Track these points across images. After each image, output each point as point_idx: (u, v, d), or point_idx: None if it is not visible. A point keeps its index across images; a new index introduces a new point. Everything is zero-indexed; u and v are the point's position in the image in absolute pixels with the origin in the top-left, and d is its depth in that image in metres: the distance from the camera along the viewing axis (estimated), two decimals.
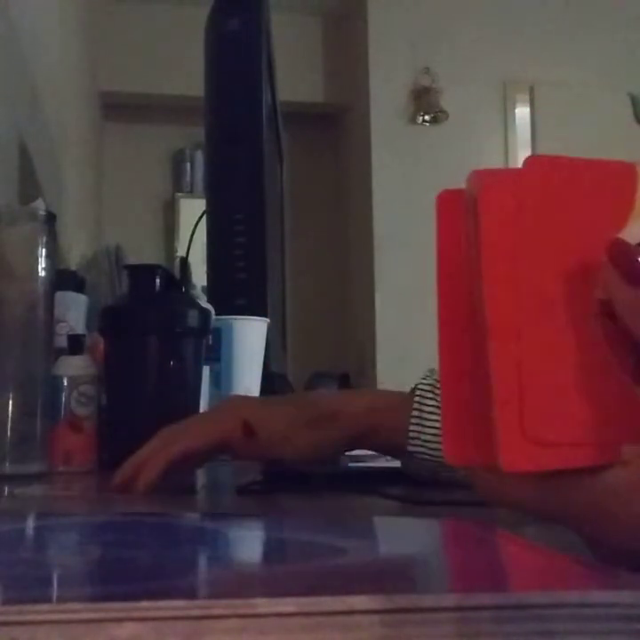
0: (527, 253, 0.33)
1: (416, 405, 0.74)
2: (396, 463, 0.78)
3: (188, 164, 4.55)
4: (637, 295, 0.32)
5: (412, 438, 0.73)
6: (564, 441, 0.33)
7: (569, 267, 0.33)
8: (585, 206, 0.33)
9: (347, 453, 0.83)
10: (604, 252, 0.33)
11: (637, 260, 0.33)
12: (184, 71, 2.94)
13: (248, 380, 1.31)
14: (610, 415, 0.33)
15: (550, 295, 0.33)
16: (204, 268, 1.56)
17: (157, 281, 1.00)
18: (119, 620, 0.22)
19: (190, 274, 1.38)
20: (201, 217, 1.59)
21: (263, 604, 0.23)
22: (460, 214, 0.35)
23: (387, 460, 0.82)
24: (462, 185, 0.36)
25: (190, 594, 0.26)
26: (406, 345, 3.61)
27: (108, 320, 1.00)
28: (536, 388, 0.33)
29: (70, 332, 1.08)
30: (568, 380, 0.33)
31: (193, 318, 1.00)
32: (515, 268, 0.33)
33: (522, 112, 4.29)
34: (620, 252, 0.33)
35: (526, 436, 0.32)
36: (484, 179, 0.34)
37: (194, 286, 1.46)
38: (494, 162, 4.22)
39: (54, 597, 0.26)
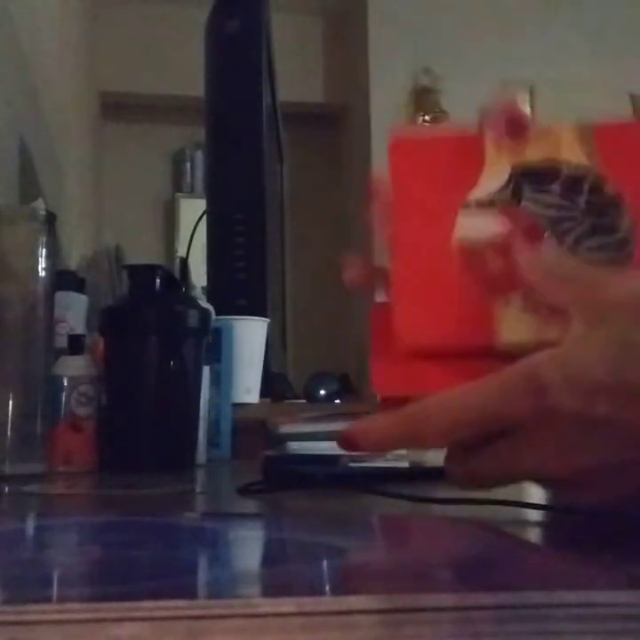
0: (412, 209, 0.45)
1: None
2: (397, 462, 0.78)
3: (188, 164, 4.55)
4: (534, 253, 0.42)
5: None
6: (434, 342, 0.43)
7: (441, 219, 0.44)
8: (448, 173, 0.45)
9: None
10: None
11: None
12: (184, 71, 2.94)
13: (248, 379, 1.31)
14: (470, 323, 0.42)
15: (429, 243, 0.44)
16: (204, 268, 1.56)
17: (157, 281, 1.00)
18: (119, 620, 0.22)
19: (189, 274, 1.38)
20: (201, 217, 1.60)
21: (263, 604, 0.23)
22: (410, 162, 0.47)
23: (385, 460, 0.82)
24: None
25: (190, 594, 0.26)
26: None
27: (108, 320, 1.00)
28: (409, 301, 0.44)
29: (70, 332, 1.08)
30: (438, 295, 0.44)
31: (193, 318, 1.00)
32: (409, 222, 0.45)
33: None
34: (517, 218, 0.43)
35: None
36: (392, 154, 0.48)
37: (194, 286, 1.46)
38: None
39: (54, 597, 0.26)
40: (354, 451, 0.41)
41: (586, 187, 0.43)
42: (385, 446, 0.44)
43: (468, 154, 0.45)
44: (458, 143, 0.46)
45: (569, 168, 0.44)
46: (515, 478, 0.42)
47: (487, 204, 0.44)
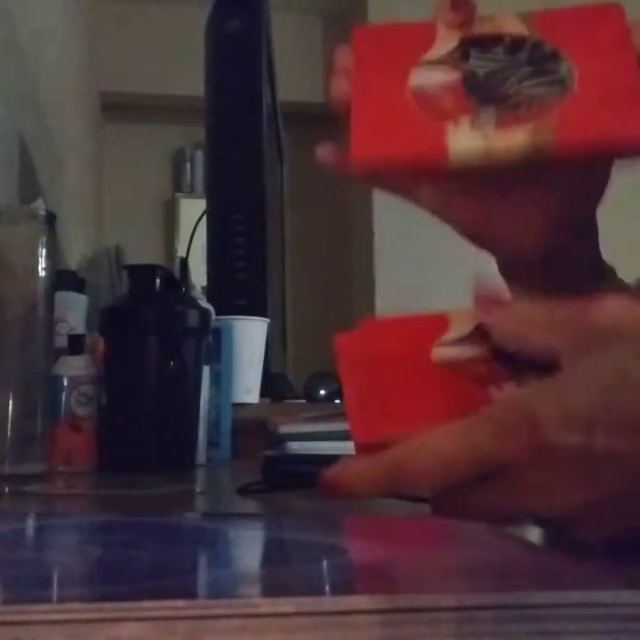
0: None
1: None
2: None
3: (188, 164, 4.54)
4: (507, 314, 0.41)
5: None
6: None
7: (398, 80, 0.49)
8: (405, 53, 0.50)
9: None
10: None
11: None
12: (184, 71, 2.94)
13: (248, 379, 1.31)
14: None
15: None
16: (204, 268, 1.56)
17: (157, 281, 1.00)
18: (119, 620, 0.22)
19: (189, 274, 1.38)
20: (201, 217, 1.60)
21: (263, 604, 0.23)
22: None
23: None
24: None
25: (190, 594, 0.26)
26: None
27: (108, 320, 1.00)
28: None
29: (70, 332, 1.08)
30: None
31: (193, 318, 1.00)
32: None
33: None
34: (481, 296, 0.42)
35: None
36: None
37: (194, 286, 1.46)
38: None
39: (55, 597, 0.26)
40: (335, 496, 0.40)
41: (527, 45, 0.48)
42: (369, 492, 0.41)
43: (424, 37, 0.51)
44: (415, 29, 0.52)
45: (511, 35, 0.49)
46: (510, 518, 0.40)
47: (437, 63, 0.49)
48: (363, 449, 0.42)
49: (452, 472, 0.37)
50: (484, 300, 0.42)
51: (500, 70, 0.48)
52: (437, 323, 0.45)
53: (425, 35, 0.51)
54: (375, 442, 0.40)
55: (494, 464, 0.37)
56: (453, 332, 0.45)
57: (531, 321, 0.41)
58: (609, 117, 0.45)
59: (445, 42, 0.50)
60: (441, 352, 0.44)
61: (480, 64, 0.48)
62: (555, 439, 0.36)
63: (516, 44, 0.48)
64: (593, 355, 0.37)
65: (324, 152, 0.51)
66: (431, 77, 0.48)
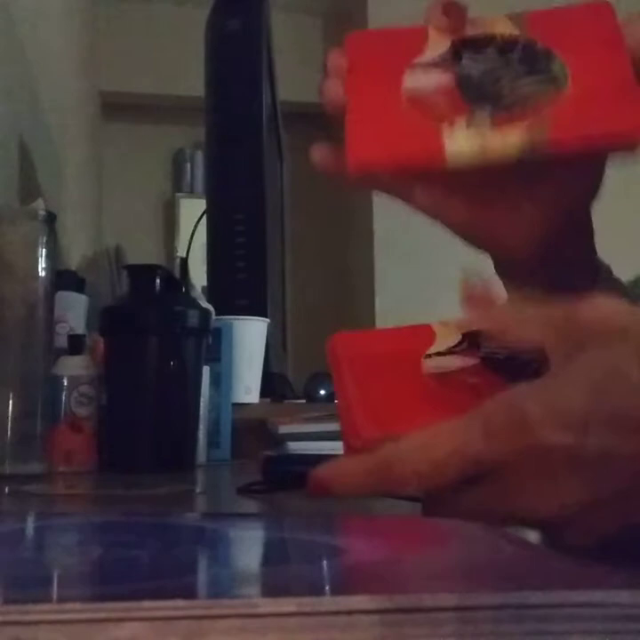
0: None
1: None
2: None
3: (188, 164, 4.54)
4: (494, 310, 0.41)
5: None
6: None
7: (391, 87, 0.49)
8: (398, 58, 0.50)
9: None
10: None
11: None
12: (184, 71, 2.94)
13: (248, 379, 1.31)
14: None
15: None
16: (204, 268, 1.56)
17: (157, 281, 1.00)
18: (119, 620, 0.22)
19: (189, 274, 1.38)
20: (201, 217, 1.59)
21: (263, 604, 0.23)
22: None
23: None
24: None
25: (190, 594, 0.26)
26: None
27: (108, 320, 1.00)
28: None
29: (70, 332, 1.08)
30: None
31: (193, 318, 1.00)
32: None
33: None
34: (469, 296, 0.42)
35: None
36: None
37: (194, 287, 1.46)
38: None
39: (55, 597, 0.26)
40: (324, 496, 0.39)
41: (519, 46, 0.48)
42: (359, 491, 0.41)
43: (416, 41, 0.51)
44: (406, 33, 0.53)
45: (503, 35, 0.49)
46: (501, 519, 0.39)
47: (430, 65, 0.49)
48: (352, 450, 0.41)
49: (440, 472, 0.37)
50: (474, 299, 0.42)
51: (492, 70, 0.48)
52: (425, 333, 0.45)
53: (417, 39, 0.51)
54: (366, 444, 0.40)
55: (483, 465, 0.37)
56: (439, 345, 0.45)
57: (521, 319, 0.41)
58: (601, 114, 0.46)
59: (437, 45, 0.50)
60: (430, 364, 0.44)
61: (473, 65, 0.49)
62: (545, 439, 0.35)
63: (507, 44, 0.49)
64: (582, 354, 0.37)
65: (319, 155, 0.51)
66: (424, 80, 0.49)
